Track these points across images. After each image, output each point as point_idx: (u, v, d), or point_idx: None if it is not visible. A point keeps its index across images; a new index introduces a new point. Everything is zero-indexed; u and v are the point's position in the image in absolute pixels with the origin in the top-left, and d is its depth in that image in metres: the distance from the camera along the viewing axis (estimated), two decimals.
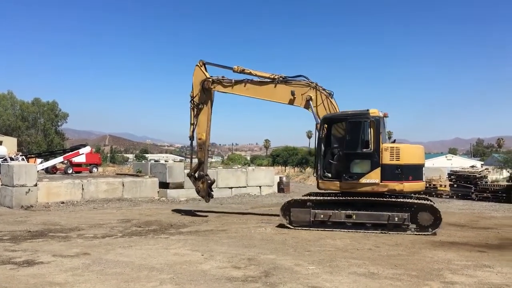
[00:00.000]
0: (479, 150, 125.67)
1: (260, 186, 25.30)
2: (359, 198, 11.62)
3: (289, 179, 30.30)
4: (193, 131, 15.09)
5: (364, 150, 11.86)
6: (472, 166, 33.61)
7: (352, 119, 12.04)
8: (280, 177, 27.82)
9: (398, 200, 11.58)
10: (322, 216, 11.78)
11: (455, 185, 26.50)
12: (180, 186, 22.04)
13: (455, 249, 9.58)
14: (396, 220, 11.33)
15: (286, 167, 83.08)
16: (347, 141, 12.09)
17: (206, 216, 15.08)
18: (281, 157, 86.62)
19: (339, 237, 10.91)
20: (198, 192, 15.39)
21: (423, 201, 11.84)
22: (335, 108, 13.19)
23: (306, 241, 10.33)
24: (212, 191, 15.44)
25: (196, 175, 15.18)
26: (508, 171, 43.52)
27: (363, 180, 11.70)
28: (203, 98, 14.77)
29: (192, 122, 15.05)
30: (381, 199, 11.58)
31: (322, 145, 12.48)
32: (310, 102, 13.25)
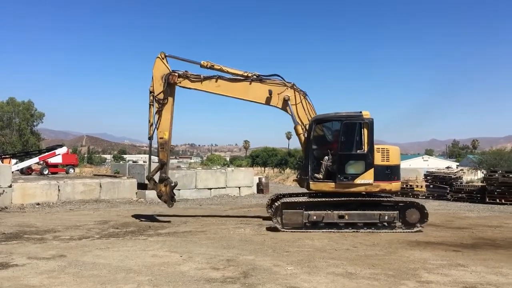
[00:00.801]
0: (455, 151, 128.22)
1: (239, 187, 25.26)
2: (359, 198, 11.83)
3: (268, 180, 30.38)
4: (153, 130, 13.54)
5: (359, 151, 11.98)
6: (448, 167, 34.32)
7: (347, 120, 12.07)
8: (259, 178, 27.82)
9: (391, 199, 12.01)
10: (315, 217, 11.72)
11: (431, 186, 26.98)
12: None
13: (431, 249, 9.74)
14: (386, 218, 11.66)
15: (266, 168, 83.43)
16: (341, 142, 12.10)
17: (184, 217, 14.98)
18: (260, 158, 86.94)
19: (317, 237, 10.98)
20: (160, 196, 13.80)
21: (412, 200, 12.36)
22: (313, 108, 13.24)
23: (285, 242, 10.36)
24: (175, 194, 14.26)
25: (156, 178, 13.76)
26: (482, 172, 44.41)
27: (357, 181, 11.79)
28: (167, 93, 13.40)
29: (152, 120, 13.58)
30: (376, 198, 11.91)
31: (312, 146, 12.42)
32: (288, 102, 13.13)
